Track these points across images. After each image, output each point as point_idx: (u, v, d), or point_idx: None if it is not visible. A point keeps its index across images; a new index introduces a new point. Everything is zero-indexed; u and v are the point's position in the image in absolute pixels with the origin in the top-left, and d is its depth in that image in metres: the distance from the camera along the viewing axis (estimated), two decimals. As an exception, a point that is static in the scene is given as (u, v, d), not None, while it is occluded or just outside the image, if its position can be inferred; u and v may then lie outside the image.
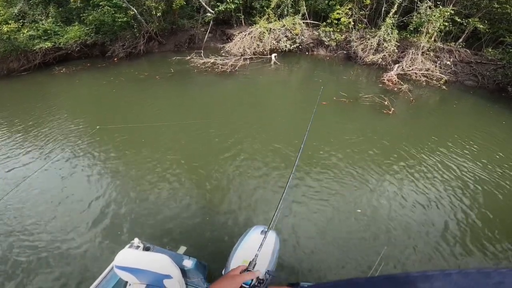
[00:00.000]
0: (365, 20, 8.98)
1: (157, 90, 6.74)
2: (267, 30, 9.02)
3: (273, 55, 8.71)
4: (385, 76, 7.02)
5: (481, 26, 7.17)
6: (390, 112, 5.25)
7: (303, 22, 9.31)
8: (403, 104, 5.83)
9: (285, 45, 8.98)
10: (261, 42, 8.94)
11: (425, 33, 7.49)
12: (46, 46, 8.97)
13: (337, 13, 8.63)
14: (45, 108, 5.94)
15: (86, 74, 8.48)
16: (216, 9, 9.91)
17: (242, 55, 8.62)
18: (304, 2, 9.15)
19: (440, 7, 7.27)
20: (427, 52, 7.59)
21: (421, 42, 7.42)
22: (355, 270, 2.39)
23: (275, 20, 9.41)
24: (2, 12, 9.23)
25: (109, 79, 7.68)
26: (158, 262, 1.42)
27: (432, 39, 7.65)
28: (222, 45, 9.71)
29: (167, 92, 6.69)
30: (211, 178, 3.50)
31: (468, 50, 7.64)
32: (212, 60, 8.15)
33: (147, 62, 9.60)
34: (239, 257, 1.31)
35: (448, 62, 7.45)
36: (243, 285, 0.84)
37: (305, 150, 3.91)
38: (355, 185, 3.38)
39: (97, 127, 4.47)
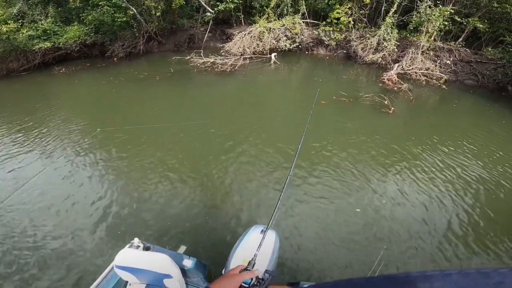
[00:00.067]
0: (365, 19, 8.97)
1: (156, 90, 6.74)
2: (266, 30, 9.01)
3: (273, 55, 8.70)
4: (385, 75, 7.01)
5: (481, 25, 7.17)
6: (390, 112, 5.25)
7: (303, 22, 9.30)
8: (403, 103, 5.83)
9: (285, 45, 8.98)
10: (261, 41, 8.93)
11: (425, 33, 7.48)
12: (46, 46, 8.96)
13: (337, 13, 8.62)
14: (45, 108, 5.94)
15: (85, 74, 8.47)
16: (215, 8, 9.90)
17: (242, 55, 8.62)
18: (303, 1, 9.14)
19: (440, 6, 7.26)
20: (427, 52, 7.59)
21: (421, 42, 7.42)
22: (355, 270, 2.39)
23: (274, 20, 9.41)
24: (1, 12, 9.21)
25: (109, 79, 7.68)
26: (158, 261, 1.42)
27: (432, 38, 7.65)
28: (221, 45, 9.70)
29: (166, 92, 6.69)
30: (211, 177, 3.50)
31: (468, 50, 7.63)
32: (211, 60, 8.15)
33: (146, 62, 9.59)
34: (239, 257, 1.32)
35: (448, 62, 7.44)
36: (243, 284, 0.84)
37: (305, 149, 3.94)
38: (355, 184, 3.38)
39: (98, 129, 4.46)
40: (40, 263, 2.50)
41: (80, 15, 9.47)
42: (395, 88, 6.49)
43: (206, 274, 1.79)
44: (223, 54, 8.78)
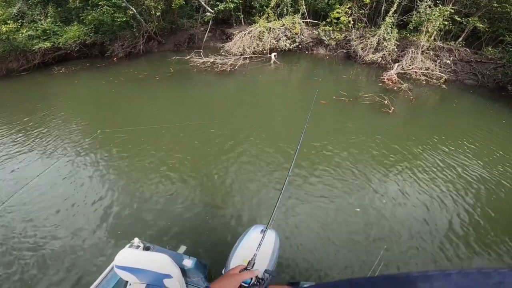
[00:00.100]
0: (365, 19, 8.97)
1: (156, 90, 6.73)
2: (266, 30, 9.01)
3: (272, 55, 8.70)
4: (385, 75, 7.01)
5: (481, 25, 7.16)
6: (390, 111, 5.25)
7: (303, 21, 9.29)
8: (403, 103, 5.83)
9: (285, 44, 8.98)
10: (261, 41, 8.93)
11: (424, 32, 7.48)
12: (45, 46, 8.96)
13: (337, 12, 8.62)
14: (45, 108, 5.94)
15: (85, 74, 8.47)
16: (215, 8, 9.89)
17: (241, 55, 8.61)
18: (303, 1, 9.14)
19: (440, 6, 7.26)
20: (427, 51, 7.59)
21: (421, 41, 7.42)
22: (355, 270, 2.39)
23: (274, 20, 9.40)
24: (0, 12, 9.21)
25: (108, 79, 7.67)
26: (158, 261, 1.42)
27: (432, 38, 7.65)
28: (221, 45, 9.70)
29: (166, 92, 6.69)
30: (211, 177, 3.50)
31: (468, 49, 7.63)
32: (211, 60, 8.15)
33: (146, 61, 9.59)
34: (239, 257, 1.31)
35: (448, 61, 7.44)
36: (243, 283, 0.85)
37: (305, 149, 3.94)
38: (355, 184, 3.38)
39: (98, 131, 4.45)
40: (40, 264, 2.50)
41: (80, 15, 9.46)
42: (395, 88, 6.49)
43: (206, 274, 1.79)
44: (223, 54, 8.78)
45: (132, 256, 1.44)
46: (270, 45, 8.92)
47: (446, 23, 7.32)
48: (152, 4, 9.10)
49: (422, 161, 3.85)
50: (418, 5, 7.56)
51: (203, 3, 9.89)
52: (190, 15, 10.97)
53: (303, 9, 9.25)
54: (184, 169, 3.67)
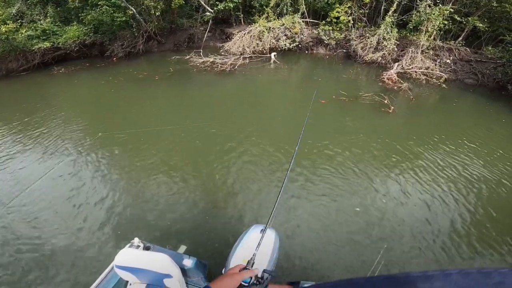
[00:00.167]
0: (365, 18, 8.96)
1: (156, 89, 6.73)
2: (266, 29, 9.00)
3: (272, 54, 8.69)
4: (384, 74, 7.01)
5: (481, 24, 7.15)
6: (390, 111, 5.25)
7: (303, 21, 9.28)
8: (403, 102, 5.83)
9: (285, 44, 8.97)
10: (261, 41, 8.92)
11: (424, 32, 7.48)
12: (45, 46, 8.94)
13: (337, 12, 8.61)
14: (45, 108, 5.93)
15: (85, 74, 8.46)
16: (215, 8, 9.88)
17: (241, 54, 8.60)
18: (303, 0, 9.12)
19: (440, 5, 7.25)
20: (427, 51, 7.58)
21: (421, 41, 7.41)
22: (355, 270, 2.40)
23: (274, 19, 9.39)
24: (0, 12, 9.19)
25: (108, 79, 7.67)
26: (158, 261, 1.42)
27: (432, 37, 7.64)
28: (221, 44, 9.68)
29: (166, 91, 6.68)
30: (212, 177, 3.50)
31: (467, 49, 7.63)
32: (211, 59, 8.14)
33: (146, 61, 9.58)
34: (238, 256, 1.31)
35: (448, 61, 7.44)
36: (242, 283, 0.85)
37: (305, 149, 3.94)
38: (356, 183, 3.38)
39: (99, 134, 4.43)
40: (40, 264, 2.50)
41: (79, 15, 9.45)
42: (395, 87, 6.49)
43: (206, 273, 1.79)
44: (222, 53, 8.77)
45: (132, 256, 1.44)
46: (270, 44, 8.91)
47: (446, 22, 7.32)
48: (152, 4, 9.08)
49: (422, 160, 3.85)
50: (418, 5, 7.55)
51: (202, 2, 9.88)
52: (190, 14, 10.96)
53: (303, 9, 9.24)
54: (184, 169, 3.67)
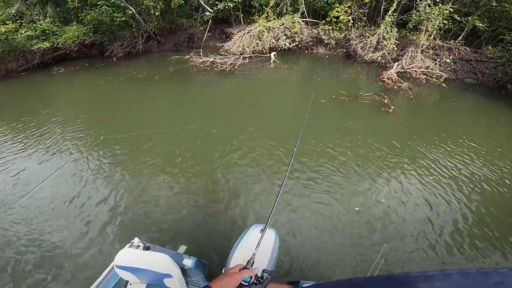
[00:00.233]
0: (364, 18, 8.95)
1: (156, 90, 6.73)
2: (266, 29, 8.99)
3: (272, 54, 8.69)
4: (384, 74, 7.01)
5: (480, 24, 7.15)
6: (390, 110, 5.25)
7: (302, 21, 9.28)
8: (403, 102, 5.83)
9: (284, 44, 8.96)
10: (260, 40, 8.91)
11: (424, 31, 7.47)
12: (45, 46, 8.94)
13: (336, 11, 8.60)
14: (45, 108, 5.93)
15: (84, 74, 8.46)
16: (214, 7, 9.87)
17: (241, 54, 8.60)
18: (303, 0, 9.12)
19: (439, 5, 7.25)
20: (427, 50, 7.58)
21: (421, 40, 7.41)
22: (355, 269, 2.40)
23: (274, 19, 9.38)
24: (-1, 12, 9.19)
25: (108, 79, 7.66)
26: (158, 261, 1.42)
27: (432, 37, 7.64)
28: (221, 44, 9.68)
29: (166, 91, 6.68)
30: (212, 177, 3.50)
31: (467, 48, 7.62)
32: (211, 59, 8.13)
33: (146, 61, 9.57)
34: (238, 256, 1.31)
35: (448, 60, 7.44)
36: (242, 282, 0.85)
37: (305, 149, 3.94)
38: (356, 183, 3.38)
39: (101, 137, 4.41)
40: (41, 264, 2.50)
41: (79, 15, 9.44)
42: (395, 87, 6.48)
43: (206, 273, 1.79)
44: (222, 53, 8.76)
45: (132, 256, 1.44)
46: (269, 44, 8.90)
47: (445, 22, 7.31)
48: (151, 3, 9.08)
49: (422, 159, 3.85)
50: (417, 4, 7.55)
51: (202, 2, 9.87)
52: (190, 14, 10.95)
53: (303, 8, 9.24)
54: (184, 169, 3.67)
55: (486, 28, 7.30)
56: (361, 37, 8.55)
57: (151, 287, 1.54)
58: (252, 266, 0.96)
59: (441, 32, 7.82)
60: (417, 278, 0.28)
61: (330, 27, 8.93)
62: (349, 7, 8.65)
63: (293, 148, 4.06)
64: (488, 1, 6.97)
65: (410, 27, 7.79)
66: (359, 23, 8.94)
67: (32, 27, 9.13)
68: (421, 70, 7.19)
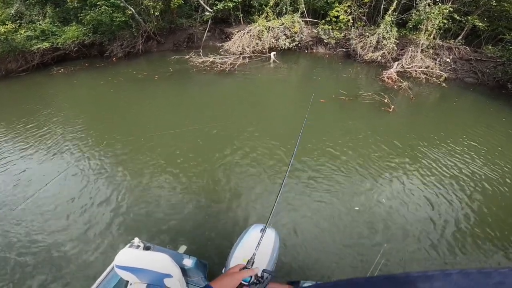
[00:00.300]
0: (364, 17, 8.95)
1: (156, 89, 6.72)
2: (266, 29, 8.99)
3: (272, 54, 8.68)
4: (384, 73, 7.00)
5: (480, 23, 7.15)
6: (390, 110, 5.24)
7: (302, 20, 9.27)
8: (403, 101, 5.82)
9: (284, 44, 8.96)
10: (260, 40, 8.91)
11: (424, 31, 7.47)
12: (44, 47, 8.93)
13: (336, 11, 8.60)
14: (45, 109, 5.93)
15: (84, 74, 8.45)
16: (214, 7, 9.86)
17: (241, 54, 8.60)
18: (302, 0, 9.11)
19: (439, 4, 7.24)
20: (427, 50, 7.57)
21: (421, 40, 7.40)
22: (355, 269, 2.40)
23: (273, 19, 9.38)
24: (-1, 12, 9.18)
25: (107, 79, 7.66)
26: (159, 261, 1.42)
27: (432, 36, 7.63)
28: (221, 44, 9.67)
29: (166, 91, 6.68)
30: (212, 177, 3.50)
31: (467, 48, 7.62)
32: (211, 59, 8.13)
33: (145, 61, 9.57)
34: (238, 256, 1.31)
35: (448, 60, 7.43)
36: (243, 282, 0.85)
37: (305, 148, 3.94)
38: (356, 182, 3.38)
39: (104, 142, 4.39)
40: (41, 265, 2.50)
41: (78, 15, 9.43)
42: (395, 87, 6.48)
43: (206, 273, 1.79)
44: (222, 53, 8.76)
45: (132, 256, 1.44)
46: (269, 44, 8.90)
47: (445, 21, 7.31)
48: (151, 3, 9.07)
49: (422, 159, 3.85)
50: (417, 4, 7.54)
51: (202, 2, 9.87)
52: (189, 14, 10.94)
53: (302, 8, 9.23)
54: (184, 169, 3.67)
55: (486, 28, 7.29)
56: (361, 36, 8.55)
57: (151, 287, 1.54)
58: (252, 266, 0.96)
59: (441, 31, 7.82)
60: (417, 278, 0.28)
61: (330, 27, 8.92)
62: (349, 6, 8.64)
63: (293, 147, 4.07)
64: (488, 1, 6.96)
65: (410, 26, 7.79)
66: (359, 23, 8.94)
67: (31, 27, 9.13)
68: (421, 69, 7.18)
